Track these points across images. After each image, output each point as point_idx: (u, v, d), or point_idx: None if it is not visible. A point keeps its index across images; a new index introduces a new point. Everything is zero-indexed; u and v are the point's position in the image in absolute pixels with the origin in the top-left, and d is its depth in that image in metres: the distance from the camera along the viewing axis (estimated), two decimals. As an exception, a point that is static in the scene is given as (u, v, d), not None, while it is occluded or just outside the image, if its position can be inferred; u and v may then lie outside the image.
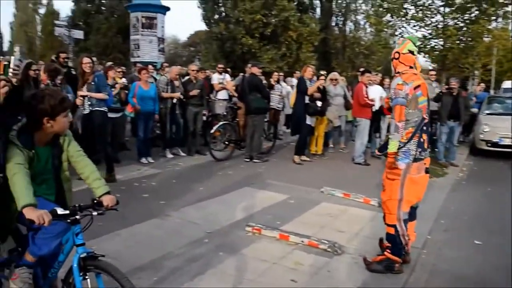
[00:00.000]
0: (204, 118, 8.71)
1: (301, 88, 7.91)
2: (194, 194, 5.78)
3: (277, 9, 20.15)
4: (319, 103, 7.92)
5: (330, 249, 3.94)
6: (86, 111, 6.08)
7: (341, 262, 3.79)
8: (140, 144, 7.60)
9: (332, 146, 9.76)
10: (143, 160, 7.51)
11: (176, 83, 7.98)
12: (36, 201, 2.12)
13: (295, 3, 23.02)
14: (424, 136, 3.52)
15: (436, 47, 15.33)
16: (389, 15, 15.26)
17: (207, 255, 3.80)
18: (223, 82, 9.82)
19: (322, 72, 9.91)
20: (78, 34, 14.74)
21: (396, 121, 3.49)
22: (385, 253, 3.62)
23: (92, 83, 6.03)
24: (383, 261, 3.60)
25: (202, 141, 8.89)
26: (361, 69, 9.26)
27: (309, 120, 7.96)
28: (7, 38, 46.28)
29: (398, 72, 3.59)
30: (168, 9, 17.20)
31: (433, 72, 10.12)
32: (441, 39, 15.12)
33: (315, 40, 22.16)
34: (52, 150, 2.46)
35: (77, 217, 2.20)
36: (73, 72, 7.32)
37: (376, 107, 8.30)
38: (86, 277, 2.19)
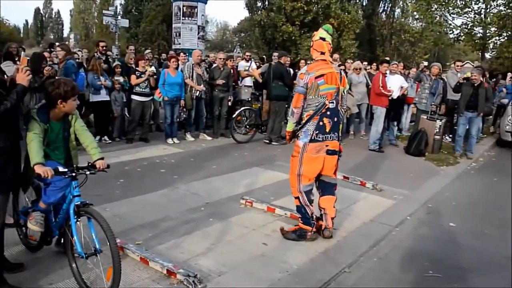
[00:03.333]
0: (229, 103, 9.34)
1: None
2: (205, 171, 6.46)
3: (318, -4, 20.29)
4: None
5: (306, 222, 4.47)
6: None
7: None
8: (166, 126, 8.39)
9: (352, 133, 10.09)
10: (169, 140, 8.30)
11: (199, 70, 8.56)
12: (44, 161, 2.84)
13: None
14: (325, 121, 3.86)
15: (476, 35, 15.05)
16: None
17: (198, 220, 4.47)
18: (249, 69, 10.40)
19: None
20: (124, 22, 15.86)
21: (292, 107, 3.95)
22: (299, 223, 4.13)
23: (63, 69, 6.89)
24: (296, 231, 4.11)
25: (227, 125, 9.53)
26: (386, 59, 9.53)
27: None
28: (67, 24, 49.73)
29: (313, 59, 3.99)
30: (209, -2, 17.88)
31: (459, 63, 10.07)
32: (481, 27, 14.82)
33: (357, 28, 22.08)
34: (63, 125, 3.18)
35: (73, 174, 2.91)
36: (110, 60, 8.20)
37: (394, 96, 8.55)
38: (79, 220, 2.91)
